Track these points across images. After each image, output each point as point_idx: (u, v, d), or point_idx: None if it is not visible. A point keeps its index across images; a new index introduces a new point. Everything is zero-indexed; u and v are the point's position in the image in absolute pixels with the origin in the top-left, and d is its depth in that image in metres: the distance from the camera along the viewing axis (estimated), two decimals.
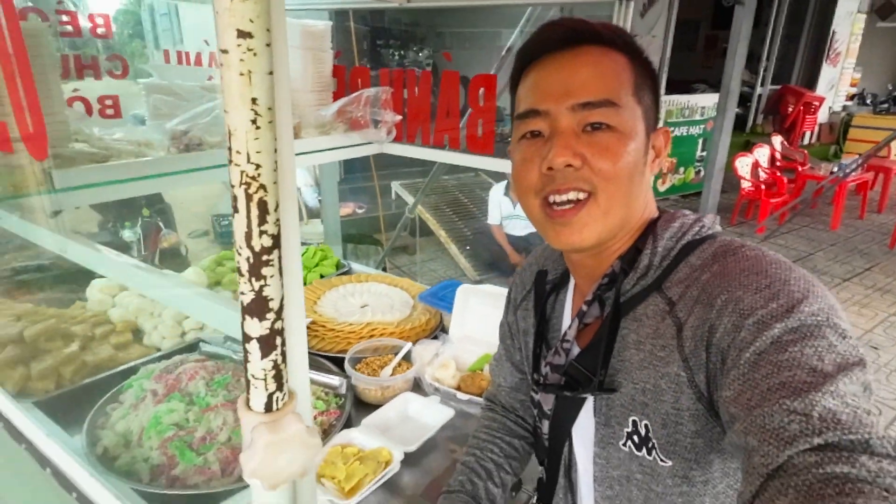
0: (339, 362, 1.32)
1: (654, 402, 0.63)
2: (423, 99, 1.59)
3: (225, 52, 0.37)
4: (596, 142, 0.64)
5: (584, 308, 0.72)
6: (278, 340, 0.45)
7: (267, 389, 0.46)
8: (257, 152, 0.39)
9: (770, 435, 0.45)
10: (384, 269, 3.84)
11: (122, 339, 1.37)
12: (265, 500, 0.50)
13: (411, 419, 1.20)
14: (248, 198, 0.40)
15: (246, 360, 0.45)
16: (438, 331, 1.50)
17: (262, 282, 0.43)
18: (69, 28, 1.40)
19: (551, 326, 0.84)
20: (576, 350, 0.75)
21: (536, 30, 0.69)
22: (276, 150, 0.41)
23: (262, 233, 0.41)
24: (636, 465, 0.68)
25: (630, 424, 0.67)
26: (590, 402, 0.74)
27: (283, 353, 0.46)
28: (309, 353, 1.28)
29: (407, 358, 1.35)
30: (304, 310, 0.50)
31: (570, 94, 0.64)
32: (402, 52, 6.84)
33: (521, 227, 4.86)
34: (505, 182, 4.87)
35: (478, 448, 0.97)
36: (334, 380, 1.22)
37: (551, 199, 0.65)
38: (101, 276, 1.59)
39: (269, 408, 0.47)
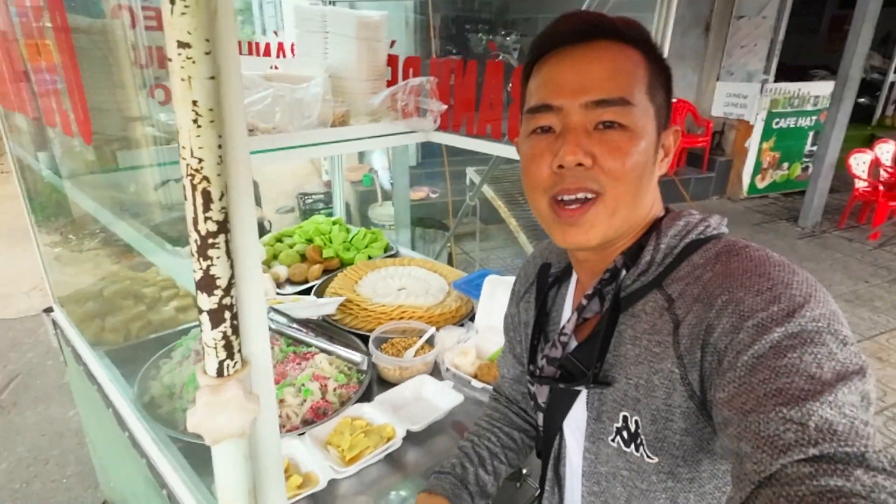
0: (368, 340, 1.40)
1: (646, 397, 0.63)
2: (468, 88, 1.60)
3: (170, 60, 0.43)
4: (607, 140, 0.64)
5: (584, 302, 0.72)
6: (227, 314, 0.51)
7: (217, 357, 0.52)
8: (199, 148, 0.45)
9: (764, 442, 0.45)
10: (449, 255, 3.90)
11: (183, 303, 1.54)
12: (222, 451, 0.56)
13: (424, 400, 1.24)
14: (193, 188, 0.46)
15: (201, 330, 0.52)
16: (467, 319, 1.53)
17: (209, 262, 0.48)
18: (154, 23, 1.57)
19: (551, 319, 0.85)
20: (573, 343, 0.76)
21: (551, 21, 0.68)
22: (219, 147, 0.46)
23: (206, 219, 0.47)
24: (623, 461, 0.69)
25: (620, 420, 0.67)
26: (583, 396, 0.74)
27: (234, 326, 0.52)
28: (341, 329, 1.37)
29: (431, 342, 1.40)
30: (260, 288, 0.56)
31: (585, 90, 0.63)
32: (489, 37, 6.80)
33: None
34: None
35: (476, 435, 1.00)
36: (356, 356, 1.29)
37: (560, 197, 0.65)
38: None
39: (220, 373, 0.53)
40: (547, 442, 0.88)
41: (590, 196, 0.65)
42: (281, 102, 1.39)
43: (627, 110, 0.63)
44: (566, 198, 0.65)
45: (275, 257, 1.88)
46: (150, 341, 1.38)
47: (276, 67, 1.72)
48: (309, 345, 1.34)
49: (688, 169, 6.82)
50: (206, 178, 0.46)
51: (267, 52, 1.81)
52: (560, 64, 0.66)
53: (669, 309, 0.63)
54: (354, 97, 1.68)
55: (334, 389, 1.22)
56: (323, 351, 1.32)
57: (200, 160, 0.45)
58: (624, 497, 0.71)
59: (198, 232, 0.47)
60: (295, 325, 1.40)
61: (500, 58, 6.34)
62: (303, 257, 1.89)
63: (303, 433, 1.08)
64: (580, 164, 0.63)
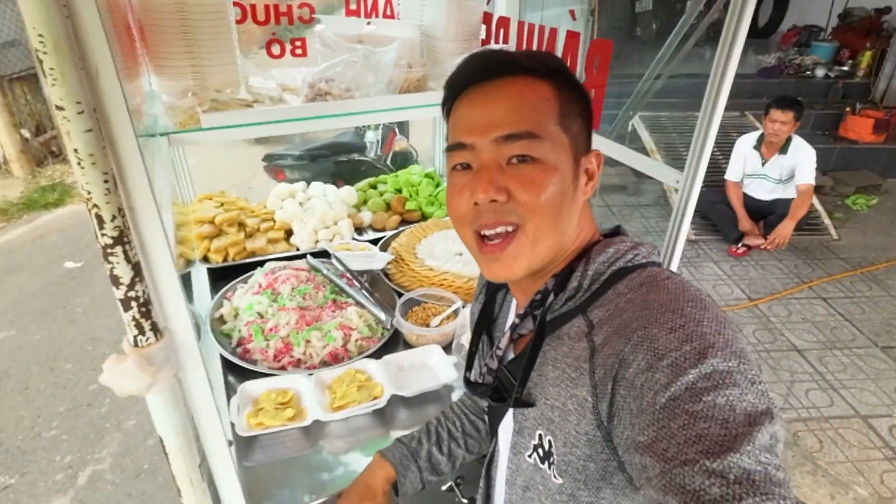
0: None
1: (561, 419, 0.66)
2: None
3: (58, 118, 0.54)
4: (520, 174, 0.66)
5: (517, 321, 0.76)
6: (133, 304, 0.66)
7: (131, 332, 0.68)
8: (87, 183, 0.57)
9: (691, 498, 0.47)
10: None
11: (275, 236, 1.81)
12: (149, 399, 0.74)
13: (427, 369, 1.34)
14: (89, 212, 0.59)
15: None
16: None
17: (111, 265, 0.63)
18: None
19: (497, 326, 0.87)
20: (510, 355, 0.80)
21: (461, 62, 0.71)
22: (105, 182, 0.58)
23: (102, 234, 0.60)
24: (539, 476, 0.73)
25: (537, 437, 0.72)
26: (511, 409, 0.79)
27: (142, 312, 0.67)
28: (390, 286, 1.51)
29: (459, 314, 1.46)
30: (173, 279, 0.69)
31: (492, 126, 0.67)
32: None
33: (767, 189, 4.06)
34: (758, 133, 4.04)
35: (444, 416, 1.09)
36: (382, 314, 1.42)
37: (482, 232, 0.68)
38: (288, 182, 2.07)
39: (135, 343, 0.69)
40: (488, 444, 0.93)
41: (510, 229, 0.67)
42: (353, 68, 1.47)
43: (537, 143, 0.65)
44: (487, 233, 0.69)
45: (365, 202, 2.06)
46: (241, 266, 1.68)
47: (369, 24, 1.79)
48: (348, 296, 1.51)
49: None
50: (96, 206, 0.59)
51: (374, 8, 1.87)
52: (470, 103, 0.69)
53: (589, 335, 0.64)
54: (443, 58, 1.68)
55: (356, 340, 1.38)
56: (357, 304, 1.48)
57: (89, 192, 0.58)
58: None
59: (99, 243, 0.61)
60: (348, 274, 1.57)
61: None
62: (389, 206, 2.04)
63: (311, 374, 1.27)
64: (494, 201, 0.66)
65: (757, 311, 3.44)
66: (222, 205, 1.87)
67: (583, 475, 0.65)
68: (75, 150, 0.55)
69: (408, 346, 1.43)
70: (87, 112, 0.54)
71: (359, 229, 1.95)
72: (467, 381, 0.86)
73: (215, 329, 1.41)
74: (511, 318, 0.84)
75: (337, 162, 3.70)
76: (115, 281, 0.64)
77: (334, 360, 1.34)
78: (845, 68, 6.03)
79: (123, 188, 0.61)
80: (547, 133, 0.65)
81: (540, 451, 0.70)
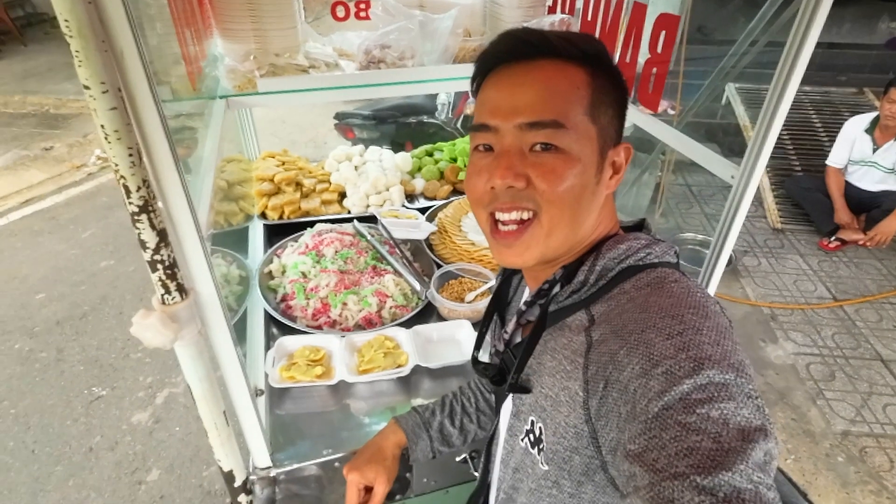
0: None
1: (552, 409, 0.67)
2: (611, 29, 1.39)
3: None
4: (541, 163, 0.65)
5: (524, 308, 0.76)
6: (159, 266, 0.72)
7: (158, 291, 0.75)
8: (114, 156, 0.62)
9: None
10: (657, 186, 3.55)
11: (329, 197, 1.88)
12: (177, 349, 0.82)
13: (456, 343, 1.36)
14: (118, 182, 0.65)
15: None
16: None
17: (138, 231, 0.69)
18: None
19: (510, 310, 0.89)
20: (517, 339, 0.81)
21: (494, 38, 0.68)
22: (130, 155, 0.63)
23: (129, 203, 0.66)
24: (528, 460, 0.75)
25: (529, 423, 0.74)
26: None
27: (168, 273, 0.73)
28: (431, 257, 1.54)
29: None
30: (196, 244, 0.75)
31: (518, 112, 0.65)
32: None
33: (875, 179, 3.63)
34: (873, 115, 3.57)
35: (461, 391, 1.12)
36: (417, 284, 1.45)
37: (497, 216, 0.68)
38: (357, 141, 2.12)
39: (163, 301, 0.76)
40: (493, 423, 0.95)
41: (525, 216, 0.66)
42: (409, 35, 1.46)
43: (562, 133, 0.62)
44: (503, 217, 0.67)
45: (419, 170, 2.07)
46: (294, 224, 1.77)
47: None
48: (388, 263, 1.55)
49: None
50: (122, 177, 0.64)
51: None
52: (498, 84, 0.66)
53: (588, 329, 0.64)
54: (505, 25, 1.62)
55: (390, 308, 1.42)
56: (395, 272, 1.52)
57: (117, 164, 0.63)
58: (525, 491, 0.78)
59: (128, 210, 0.67)
60: (391, 241, 1.61)
61: None
62: (442, 174, 2.04)
63: (344, 336, 1.33)
64: (511, 187, 0.65)
65: (841, 313, 3.14)
66: (283, 164, 1.95)
67: (567, 465, 0.65)
68: (102, 126, 0.60)
69: (440, 318, 1.46)
70: (111, 91, 0.59)
71: (410, 196, 1.97)
72: (474, 360, 0.88)
73: (263, 283, 1.50)
74: (523, 301, 0.84)
75: (406, 123, 3.72)
76: (143, 245, 0.70)
77: (368, 324, 1.39)
78: None
79: (150, 161, 0.66)
80: (574, 123, 0.63)
81: (531, 436, 0.71)
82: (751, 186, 1.02)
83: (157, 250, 0.71)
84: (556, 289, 0.69)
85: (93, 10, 0.55)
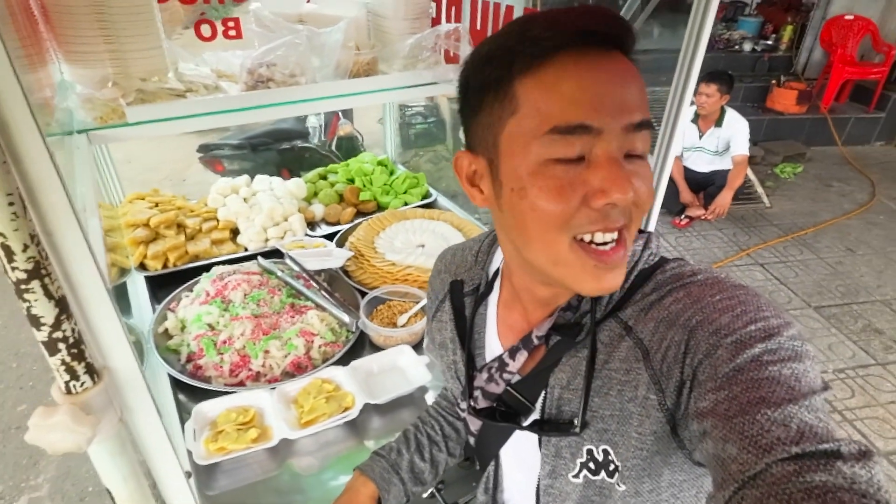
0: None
1: (619, 425, 0.62)
2: None
3: None
4: (637, 172, 0.55)
5: (536, 341, 0.69)
6: (61, 346, 0.55)
7: (62, 378, 0.57)
8: None
9: (749, 442, 0.46)
10: None
11: (220, 236, 1.67)
12: (97, 457, 0.63)
13: (398, 371, 1.27)
14: None
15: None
16: None
17: (27, 304, 0.51)
18: None
19: (475, 342, 0.81)
20: (515, 377, 0.73)
21: (557, 10, 0.53)
22: (10, 204, 0.47)
23: (13, 268, 0.49)
24: (593, 489, 0.68)
25: (584, 454, 0.67)
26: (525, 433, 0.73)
27: (74, 353, 0.56)
28: (350, 284, 1.41)
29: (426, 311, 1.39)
30: (110, 311, 0.58)
31: (627, 110, 0.53)
32: None
33: (705, 161, 4.20)
34: (693, 108, 4.15)
35: (421, 421, 1.03)
36: (346, 317, 1.34)
37: (590, 237, 0.55)
38: (227, 174, 1.91)
39: (69, 391, 0.58)
40: (481, 469, 0.87)
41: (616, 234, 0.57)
42: (297, 50, 1.35)
43: (650, 135, 0.57)
44: (603, 238, 0.55)
45: (316, 195, 1.94)
46: (183, 272, 1.53)
47: (309, 2, 1.65)
48: (307, 298, 1.41)
49: (850, 106, 5.66)
50: (1, 234, 0.47)
51: None
52: (593, 72, 0.52)
53: (630, 335, 0.61)
54: (392, 38, 1.58)
55: (319, 346, 1.29)
56: (317, 307, 1.38)
57: None
58: None
59: (11, 280, 0.50)
60: (304, 275, 1.47)
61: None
62: (341, 197, 1.93)
63: (274, 387, 1.17)
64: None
65: None
66: (157, 205, 1.70)
67: (647, 470, 0.62)
68: None
69: (374, 348, 1.35)
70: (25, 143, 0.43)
71: (311, 224, 1.83)
72: (475, 410, 0.77)
73: (160, 345, 1.27)
74: (490, 334, 0.78)
75: (279, 150, 3.50)
76: (35, 322, 0.53)
77: (297, 369, 1.24)
78: (769, 42, 6.32)
79: (35, 209, 0.50)
80: None
81: (591, 464, 0.67)
82: (668, 162, 1.10)
83: (56, 325, 0.54)
84: (588, 308, 0.65)
85: None
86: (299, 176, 1.99)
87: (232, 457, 1.05)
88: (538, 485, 0.74)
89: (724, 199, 4.05)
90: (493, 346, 0.78)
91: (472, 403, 0.77)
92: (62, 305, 0.54)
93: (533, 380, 0.70)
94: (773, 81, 5.63)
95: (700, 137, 4.17)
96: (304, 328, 1.30)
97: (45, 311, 0.53)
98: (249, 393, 1.16)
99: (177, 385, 1.21)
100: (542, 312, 0.70)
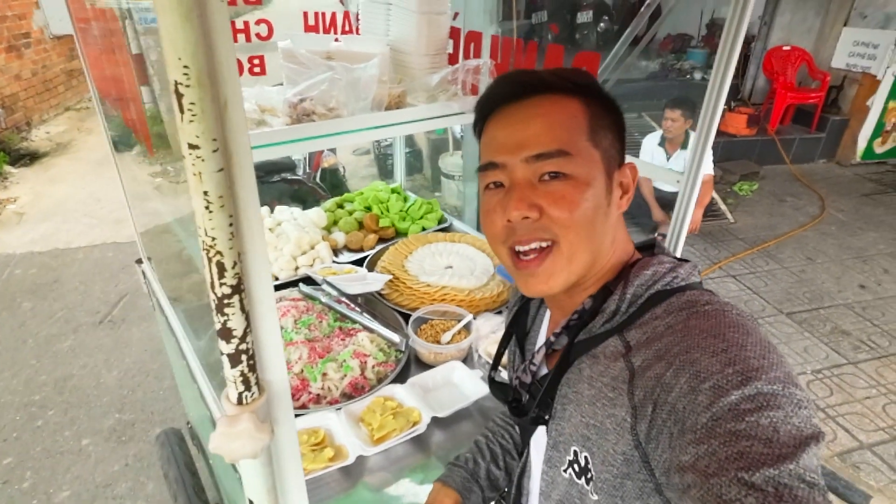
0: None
1: (598, 437, 0.66)
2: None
3: (183, 157, 0.48)
4: (552, 191, 0.67)
5: (553, 339, 0.75)
6: (243, 357, 0.59)
7: (237, 389, 0.61)
8: (212, 228, 0.51)
9: None
10: None
11: None
12: (244, 463, 0.66)
13: (454, 386, 1.32)
14: (209, 260, 0.52)
15: (224, 367, 0.60)
16: (506, 306, 1.57)
17: (225, 317, 0.56)
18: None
19: (529, 339, 0.89)
20: (543, 370, 0.80)
21: (491, 83, 0.74)
22: (230, 225, 0.52)
23: (221, 284, 0.54)
24: (575, 490, 0.73)
25: (572, 453, 0.71)
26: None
27: (251, 365, 0.60)
28: (388, 306, 1.46)
29: (469, 328, 1.46)
30: (276, 331, 0.63)
31: (523, 146, 0.67)
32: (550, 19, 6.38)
33: (673, 182, 4.44)
34: (660, 132, 4.44)
35: (491, 431, 1.07)
36: (395, 337, 1.38)
37: (516, 248, 0.69)
38: None
39: (240, 401, 0.62)
40: (520, 454, 0.94)
41: (544, 244, 0.68)
42: (338, 85, 1.42)
43: (568, 160, 0.66)
44: (522, 248, 0.69)
45: (335, 223, 1.99)
46: None
47: (337, 41, 1.74)
48: (354, 321, 1.45)
49: (793, 128, 6.15)
50: (219, 253, 0.52)
51: (333, 23, 1.83)
52: (501, 123, 0.71)
53: (626, 356, 0.64)
54: (413, 73, 1.67)
55: (373, 367, 1.33)
56: (365, 328, 1.43)
57: (213, 238, 0.51)
58: None
59: (215, 294, 0.54)
60: (345, 299, 1.51)
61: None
62: (360, 224, 1.98)
63: (339, 408, 1.20)
64: (526, 217, 0.67)
65: None
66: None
67: (619, 492, 0.65)
68: (205, 193, 0.49)
69: (422, 366, 1.40)
70: (220, 150, 0.48)
71: (334, 251, 1.87)
72: (492, 382, 0.87)
73: (212, 374, 1.28)
74: (543, 331, 0.85)
75: (268, 183, 3.52)
76: (227, 334, 0.57)
77: (355, 390, 1.28)
78: None
79: (238, 231, 0.55)
80: (577, 149, 0.66)
81: (576, 466, 0.71)
82: (697, 183, 1.21)
83: (243, 338, 0.58)
84: (587, 318, 0.70)
85: (210, 53, 0.45)
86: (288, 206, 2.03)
87: (312, 477, 1.07)
88: (541, 471, 0.80)
89: (696, 216, 4.30)
90: (540, 343, 0.85)
91: (492, 374, 0.88)
92: (249, 320, 0.58)
93: (552, 379, 0.74)
94: (725, 107, 6.06)
95: (668, 159, 4.44)
96: (357, 349, 1.34)
97: (238, 324, 0.57)
98: (316, 415, 1.18)
99: None
100: (561, 315, 0.76)
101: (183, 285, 1.55)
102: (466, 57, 1.73)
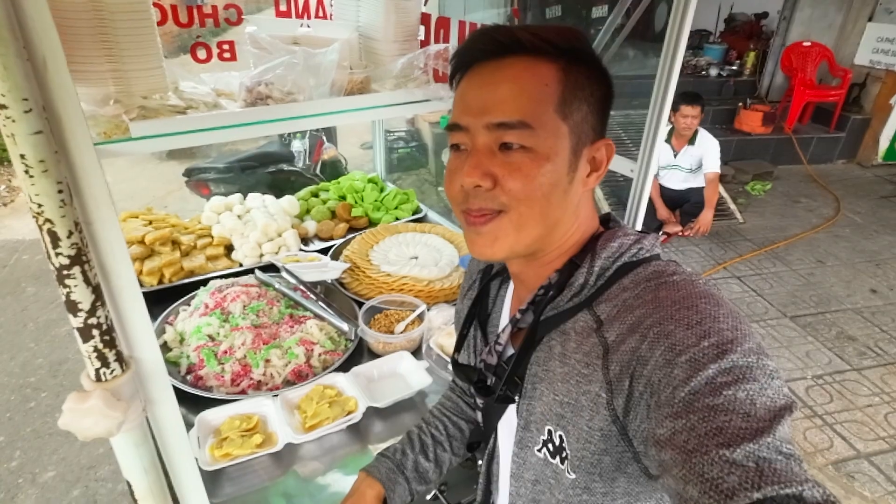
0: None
1: (572, 415, 0.65)
2: None
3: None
4: (509, 162, 0.64)
5: (518, 316, 0.73)
6: (94, 332, 0.57)
7: (93, 365, 0.59)
8: (36, 195, 0.49)
9: (709, 486, 0.46)
10: None
11: (215, 252, 1.68)
12: (120, 446, 0.65)
13: (399, 377, 1.30)
14: (40, 228, 0.51)
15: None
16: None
17: (67, 289, 0.54)
18: None
19: (491, 322, 0.85)
20: (510, 351, 0.77)
21: (469, 36, 0.68)
22: (59, 192, 0.50)
23: (57, 254, 0.52)
24: (550, 470, 0.71)
25: (546, 433, 0.69)
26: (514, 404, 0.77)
27: (105, 341, 0.59)
28: (347, 295, 1.44)
29: (423, 318, 1.43)
30: (139, 302, 0.61)
31: (487, 112, 0.64)
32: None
33: (680, 179, 4.34)
34: (669, 127, 4.33)
35: (425, 422, 1.05)
36: (345, 325, 1.36)
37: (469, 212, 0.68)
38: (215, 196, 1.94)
39: (98, 378, 0.60)
40: (485, 440, 0.91)
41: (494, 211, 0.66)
42: (295, 70, 1.40)
43: (529, 133, 0.63)
44: (473, 209, 0.67)
45: (308, 212, 1.97)
46: (179, 287, 1.55)
47: (309, 27, 1.72)
48: (306, 308, 1.43)
49: (812, 126, 5.94)
50: (48, 220, 0.50)
51: (306, 9, 1.81)
52: (470, 83, 0.67)
53: (598, 331, 0.63)
54: (383, 59, 1.65)
55: (319, 355, 1.31)
56: (316, 316, 1.41)
57: (40, 205, 0.49)
58: (546, 502, 0.74)
59: (53, 265, 0.53)
60: (302, 286, 1.49)
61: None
62: (333, 214, 1.97)
63: (276, 395, 1.18)
64: (478, 186, 0.64)
65: None
66: (150, 223, 1.71)
67: (597, 468, 0.64)
68: (22, 157, 0.47)
69: (373, 356, 1.38)
70: (35, 110, 0.46)
71: (304, 240, 1.86)
72: (455, 363, 0.85)
73: None
74: (506, 311, 0.83)
75: (265, 174, 3.53)
76: (73, 307, 0.55)
77: (298, 378, 1.26)
78: (734, 67, 6.64)
79: (79, 199, 0.53)
80: (542, 122, 0.62)
81: (550, 445, 0.69)
82: (649, 177, 1.17)
83: (91, 312, 0.56)
84: (553, 293, 0.68)
85: (10, 7, 0.43)
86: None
87: (237, 462, 1.05)
88: (512, 453, 0.78)
89: (706, 217, 4.18)
90: (504, 323, 0.82)
91: (455, 356, 0.85)
92: (98, 293, 0.57)
93: (518, 357, 0.72)
94: (740, 104, 5.91)
95: (675, 156, 4.33)
96: (304, 337, 1.32)
97: (83, 297, 0.55)
98: (252, 401, 1.17)
99: (179, 396, 1.21)
100: (527, 291, 0.74)
101: (144, 268, 1.55)
102: (437, 41, 1.69)
